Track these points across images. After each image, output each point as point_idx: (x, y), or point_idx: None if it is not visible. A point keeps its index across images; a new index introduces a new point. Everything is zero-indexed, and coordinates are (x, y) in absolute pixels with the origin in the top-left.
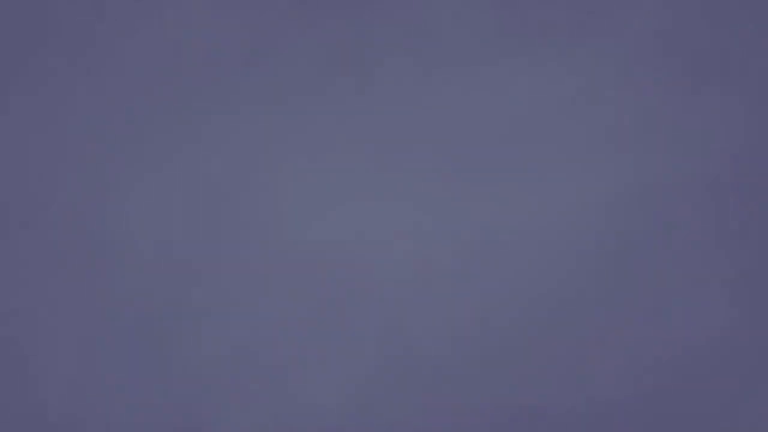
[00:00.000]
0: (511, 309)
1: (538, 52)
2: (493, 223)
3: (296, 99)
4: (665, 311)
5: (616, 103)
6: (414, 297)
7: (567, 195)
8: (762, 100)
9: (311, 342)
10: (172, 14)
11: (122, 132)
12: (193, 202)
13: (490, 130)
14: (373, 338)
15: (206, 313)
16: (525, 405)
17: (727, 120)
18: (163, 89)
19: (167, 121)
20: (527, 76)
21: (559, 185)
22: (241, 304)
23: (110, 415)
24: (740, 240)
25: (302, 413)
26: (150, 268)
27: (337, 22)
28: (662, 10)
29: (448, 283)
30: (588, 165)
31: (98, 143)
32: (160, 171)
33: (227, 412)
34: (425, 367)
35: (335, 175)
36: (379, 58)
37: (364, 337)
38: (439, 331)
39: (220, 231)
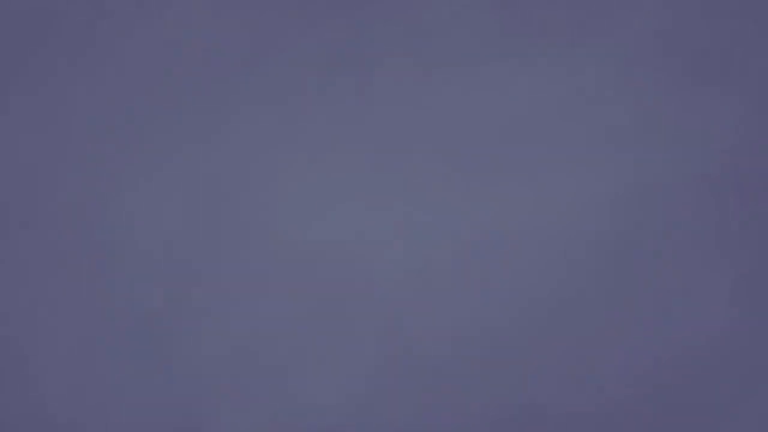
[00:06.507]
0: (510, 309)
1: (538, 52)
2: (492, 222)
3: (296, 99)
4: (665, 311)
5: (616, 103)
6: (414, 297)
7: (567, 195)
8: (762, 100)
9: (311, 342)
10: (172, 14)
11: (122, 132)
12: (193, 202)
13: (490, 130)
14: (373, 338)
15: (206, 313)
16: (525, 405)
17: (726, 120)
18: (163, 89)
19: (167, 121)
20: (527, 76)
21: (559, 185)
22: (241, 304)
23: (109, 414)
24: (740, 240)
25: (302, 413)
26: (150, 267)
27: (337, 22)
28: (662, 10)
29: (448, 283)
30: (588, 165)
31: (98, 143)
32: (161, 171)
33: (227, 411)
34: (425, 367)
35: (335, 175)
36: (379, 58)
37: (364, 337)
38: (439, 331)
39: (220, 231)
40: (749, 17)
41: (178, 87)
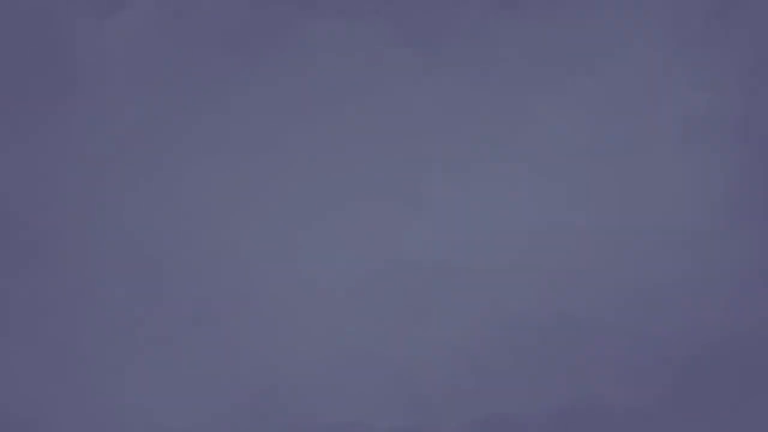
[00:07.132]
0: (511, 309)
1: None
2: (492, 222)
3: (296, 98)
4: (665, 311)
5: (617, 103)
6: (413, 298)
7: (567, 195)
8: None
9: (311, 342)
10: (172, 13)
11: (122, 131)
12: (193, 202)
13: (491, 130)
14: (372, 339)
15: (206, 312)
16: (524, 406)
17: (728, 123)
18: (163, 89)
19: (167, 121)
20: (529, 76)
21: (559, 185)
22: (241, 304)
23: (108, 416)
24: (740, 239)
25: (298, 419)
26: (149, 267)
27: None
28: (665, 10)
29: (448, 283)
30: (587, 166)
31: (98, 143)
32: (161, 170)
33: (227, 412)
34: (425, 367)
35: (335, 175)
36: (379, 57)
37: (364, 337)
38: (440, 332)
39: (220, 231)
40: (756, 23)
41: (178, 87)
